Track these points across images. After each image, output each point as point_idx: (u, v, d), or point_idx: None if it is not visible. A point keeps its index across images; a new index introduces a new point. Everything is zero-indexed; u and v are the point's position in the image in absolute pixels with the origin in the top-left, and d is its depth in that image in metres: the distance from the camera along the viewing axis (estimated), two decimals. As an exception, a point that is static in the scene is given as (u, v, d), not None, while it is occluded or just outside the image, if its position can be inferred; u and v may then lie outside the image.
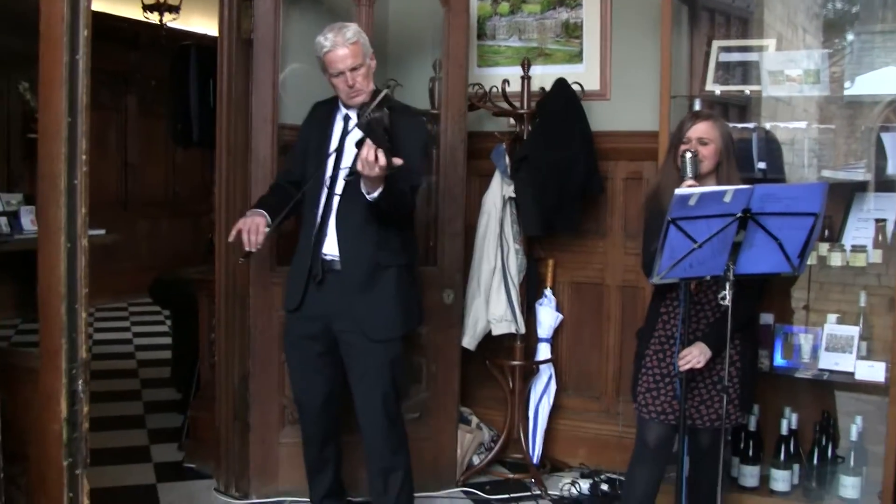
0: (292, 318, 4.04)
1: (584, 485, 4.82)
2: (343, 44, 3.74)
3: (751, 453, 4.49)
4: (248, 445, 4.64)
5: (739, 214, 3.23)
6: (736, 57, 4.72)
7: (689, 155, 3.55)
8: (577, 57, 5.18)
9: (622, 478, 4.67)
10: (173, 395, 6.34)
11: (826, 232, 4.36)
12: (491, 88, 5.04)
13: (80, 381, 2.58)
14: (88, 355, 2.59)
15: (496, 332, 4.97)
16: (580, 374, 5.33)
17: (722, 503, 3.54)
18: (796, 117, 4.80)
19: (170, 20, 8.97)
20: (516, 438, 5.12)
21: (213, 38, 4.79)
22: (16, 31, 4.16)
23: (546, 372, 5.19)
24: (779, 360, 4.54)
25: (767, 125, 4.71)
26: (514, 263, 5.00)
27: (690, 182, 3.48)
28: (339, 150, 3.89)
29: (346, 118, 3.91)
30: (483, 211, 5.00)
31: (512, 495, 4.82)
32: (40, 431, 2.62)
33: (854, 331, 4.41)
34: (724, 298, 3.31)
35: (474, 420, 5.22)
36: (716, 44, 4.75)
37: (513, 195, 4.98)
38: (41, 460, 2.62)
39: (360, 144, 3.53)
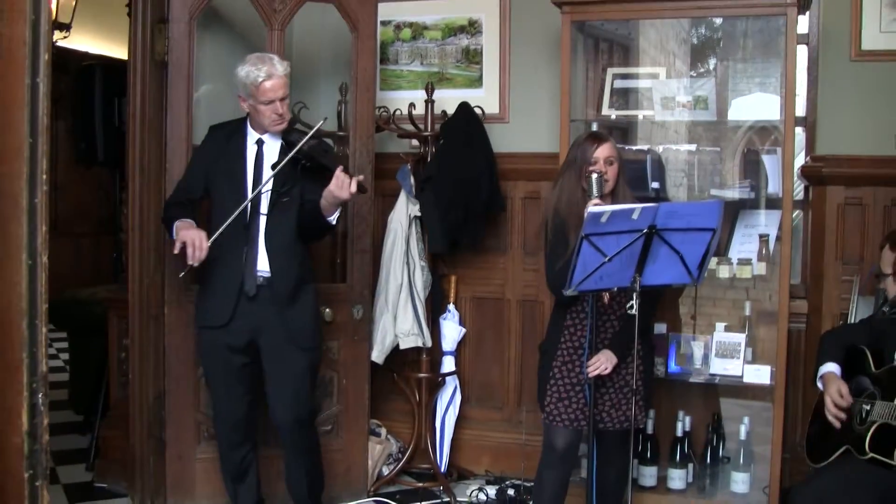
0: (217, 333, 4.14)
1: (491, 491, 5.03)
2: (278, 75, 3.98)
3: (648, 455, 4.78)
4: (164, 462, 4.69)
5: (646, 230, 3.46)
6: (629, 84, 5.02)
7: (594, 176, 3.79)
8: (477, 82, 5.42)
9: (527, 483, 4.91)
10: (72, 417, 6.30)
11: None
12: (395, 111, 5.22)
13: (39, 395, 2.65)
14: (47, 369, 2.66)
15: (404, 345, 5.15)
16: (483, 386, 5.54)
17: (630, 499, 3.77)
18: (673, 140, 5.12)
19: (60, 38, 8.86)
20: (424, 448, 5.30)
21: (103, 58, 4.81)
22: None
23: (451, 384, 5.39)
24: (673, 367, 4.84)
25: (659, 148, 5.03)
26: (421, 280, 5.18)
27: (597, 200, 3.72)
28: (258, 174, 4.09)
29: (260, 142, 4.13)
30: (389, 229, 5.17)
31: (422, 502, 5.00)
32: (1, 444, 2.67)
33: (741, 338, 4.75)
34: (631, 308, 3.54)
35: (383, 432, 5.37)
36: (610, 71, 5.04)
37: (418, 214, 5.16)
38: (1, 472, 2.67)
39: (275, 167, 3.91)
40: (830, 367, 3.72)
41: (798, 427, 4.82)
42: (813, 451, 3.77)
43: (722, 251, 4.81)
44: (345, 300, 4.89)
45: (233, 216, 3.96)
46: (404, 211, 5.14)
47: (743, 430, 4.72)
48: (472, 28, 5.41)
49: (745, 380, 4.67)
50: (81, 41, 9.88)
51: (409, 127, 5.25)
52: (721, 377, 4.74)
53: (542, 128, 5.23)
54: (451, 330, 5.39)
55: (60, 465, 5.47)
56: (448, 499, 5.04)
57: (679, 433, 4.77)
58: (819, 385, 3.74)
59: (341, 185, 3.86)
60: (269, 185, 4.04)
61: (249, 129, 4.17)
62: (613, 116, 5.01)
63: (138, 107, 4.67)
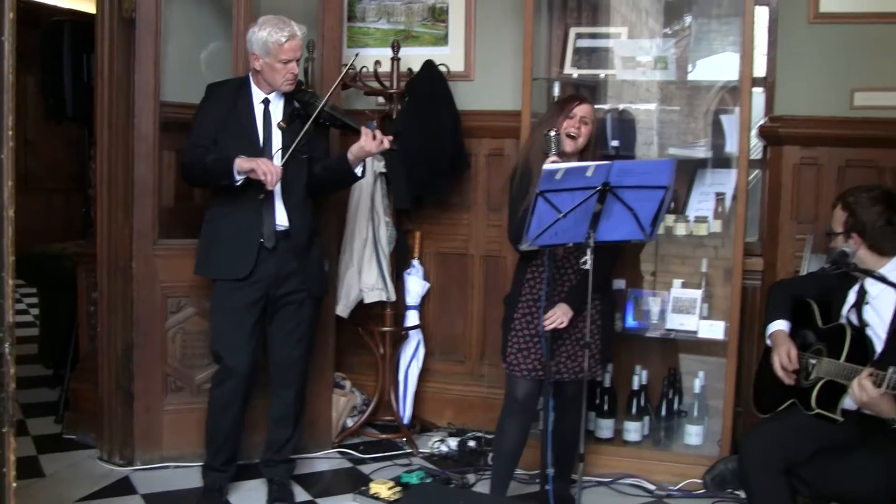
0: (235, 287, 4.26)
1: (453, 442, 5.13)
2: (298, 37, 4.18)
3: (606, 408, 4.91)
4: (132, 414, 4.77)
5: (599, 187, 3.55)
6: (591, 43, 5.09)
7: (552, 133, 3.86)
8: (442, 40, 5.48)
9: (488, 435, 5.04)
10: (42, 371, 6.38)
11: (672, 205, 4.76)
12: (361, 68, 5.27)
13: (6, 345, 2.73)
14: (13, 320, 2.73)
15: (368, 300, 5.24)
16: (446, 339, 5.65)
17: (583, 449, 3.88)
18: (645, 99, 5.20)
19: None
20: (387, 401, 5.41)
21: (72, 12, 4.82)
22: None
23: (415, 337, 5.50)
24: (630, 322, 4.97)
25: (620, 106, 5.11)
26: (385, 235, 5.26)
27: (554, 158, 3.79)
28: (267, 132, 4.26)
29: (266, 101, 4.27)
30: (355, 186, 5.22)
31: (385, 454, 5.11)
32: (-31, 393, 2.73)
33: (697, 294, 4.88)
34: (585, 263, 3.64)
35: (348, 384, 5.47)
36: (573, 30, 5.11)
37: (383, 170, 5.24)
38: (-31, 420, 2.74)
39: (284, 125, 4.17)
40: (780, 325, 3.83)
41: (751, 381, 4.96)
42: (760, 402, 3.90)
43: (680, 209, 4.92)
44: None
45: (282, 154, 4.17)
46: (369, 167, 5.19)
47: (698, 384, 4.87)
48: (439, -14, 5.47)
49: (700, 335, 4.80)
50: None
51: (376, 84, 5.31)
52: (677, 332, 4.87)
53: (506, 86, 5.29)
54: (415, 285, 5.48)
55: (30, 418, 5.53)
56: (410, 450, 5.15)
57: (636, 387, 4.90)
58: (768, 342, 3.86)
59: (378, 141, 4.15)
60: (281, 143, 4.21)
61: (254, 88, 4.29)
62: (575, 75, 5.08)
63: (106, 63, 4.71)
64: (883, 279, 3.45)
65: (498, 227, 5.37)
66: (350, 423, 5.35)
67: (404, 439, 5.25)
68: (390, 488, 4.44)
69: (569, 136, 4.03)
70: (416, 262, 5.52)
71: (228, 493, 4.49)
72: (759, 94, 5.06)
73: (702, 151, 5.06)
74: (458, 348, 5.64)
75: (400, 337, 5.45)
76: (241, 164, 4.03)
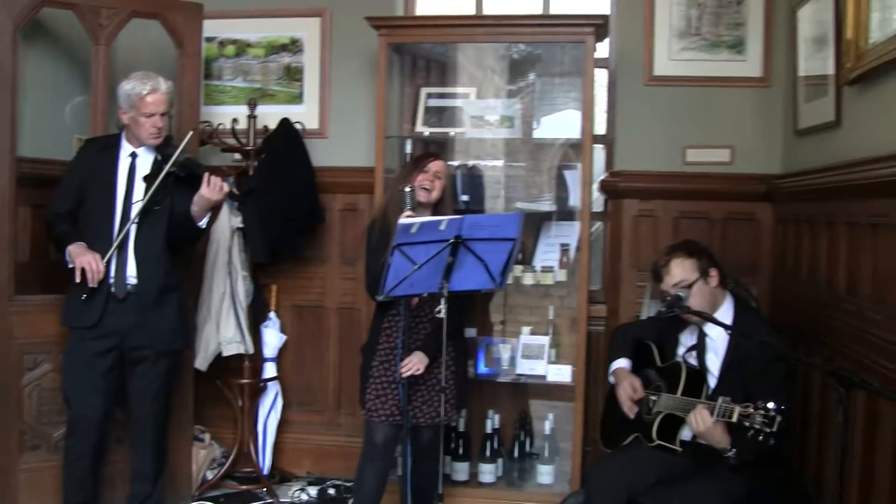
0: (84, 336, 4.33)
1: (313, 491, 5.23)
2: (161, 91, 4.30)
3: (461, 451, 5.10)
4: (-15, 474, 4.69)
5: (452, 240, 3.75)
6: (441, 102, 5.34)
7: (407, 189, 4.08)
8: (298, 98, 5.63)
9: (347, 483, 5.15)
10: None
11: (520, 255, 5.00)
12: (218, 125, 5.39)
13: None
14: None
15: (227, 353, 5.29)
16: (304, 390, 5.74)
17: (441, 489, 4.04)
18: (492, 155, 5.45)
19: None
20: (247, 453, 5.45)
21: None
22: None
23: (273, 389, 5.57)
24: (482, 368, 5.19)
25: (470, 163, 5.35)
26: (242, 289, 5.34)
27: (409, 212, 4.00)
28: (130, 185, 4.35)
29: (133, 155, 4.38)
30: (212, 240, 5.30)
31: (246, 505, 5.17)
32: None
33: (545, 340, 5.14)
34: (439, 312, 3.84)
35: (207, 437, 5.49)
36: (423, 90, 5.35)
37: (240, 225, 5.33)
38: None
39: (147, 179, 4.24)
40: (621, 363, 4.11)
41: (597, 423, 5.21)
42: (606, 438, 4.15)
43: (527, 260, 5.18)
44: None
45: (122, 234, 4.25)
46: (227, 222, 5.28)
47: (548, 426, 5.12)
48: (294, 47, 5.61)
49: (549, 379, 5.07)
50: None
51: (232, 141, 5.42)
52: (527, 377, 5.12)
53: (360, 143, 5.48)
54: (272, 337, 5.57)
55: None
56: (271, 500, 5.21)
57: (489, 430, 5.11)
58: (611, 379, 4.12)
59: (213, 188, 4.20)
60: (140, 196, 4.29)
61: (124, 143, 4.42)
62: (427, 133, 5.31)
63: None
64: (713, 321, 3.73)
65: (352, 279, 5.52)
66: (210, 475, 5.37)
67: (265, 490, 5.30)
68: (256, 538, 4.51)
69: (423, 188, 4.23)
70: (272, 314, 5.60)
71: (89, 551, 4.48)
72: (599, 150, 5.38)
73: (546, 205, 5.34)
74: (316, 399, 5.73)
75: (258, 389, 5.51)
76: (72, 251, 4.20)
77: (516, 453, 5.20)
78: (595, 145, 5.12)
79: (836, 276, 3.98)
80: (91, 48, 4.84)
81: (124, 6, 4.86)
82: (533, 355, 5.11)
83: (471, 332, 5.17)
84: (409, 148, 5.33)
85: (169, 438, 4.69)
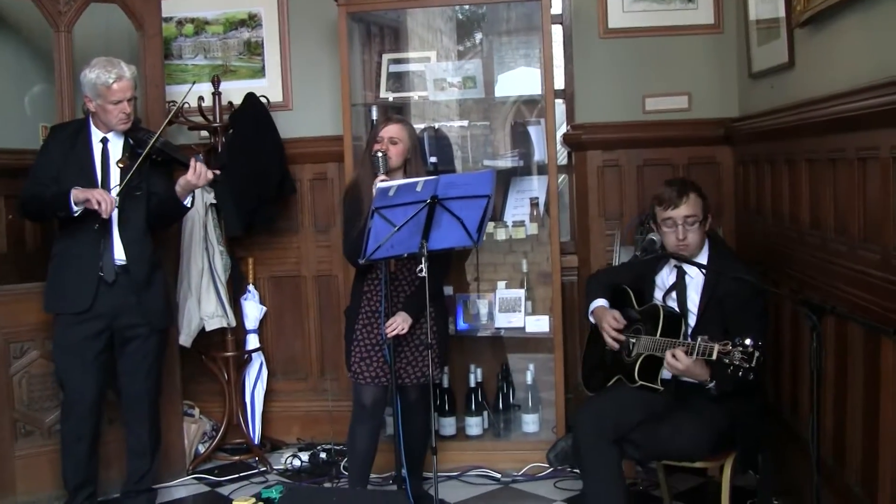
0: (75, 321, 4.38)
1: (304, 456, 5.32)
2: (126, 77, 4.33)
3: (447, 407, 5.23)
4: (-19, 462, 4.76)
5: (429, 200, 3.86)
6: (403, 67, 5.41)
7: (379, 154, 4.17)
8: (260, 72, 5.70)
9: (336, 446, 5.29)
10: None
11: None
12: (183, 104, 5.42)
13: None
14: None
15: (209, 327, 5.38)
16: (287, 359, 5.86)
17: (434, 443, 4.17)
18: (456, 116, 5.56)
19: None
20: (236, 424, 5.55)
21: None
22: None
23: (257, 360, 5.67)
24: (462, 324, 5.32)
25: (435, 125, 5.45)
26: (220, 263, 5.42)
27: (383, 177, 4.10)
28: (105, 170, 4.41)
29: (104, 140, 4.43)
30: (186, 217, 5.31)
31: (240, 474, 5.25)
32: None
33: (520, 293, 5.27)
34: (421, 271, 3.94)
35: (196, 412, 5.58)
36: (385, 56, 5.43)
37: (213, 201, 5.40)
38: None
39: (122, 164, 4.33)
40: (600, 302, 4.20)
41: (577, 369, 5.34)
42: (589, 381, 4.28)
43: (498, 216, 5.29)
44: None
45: (118, 190, 4.31)
46: (200, 199, 5.34)
47: (529, 376, 5.27)
48: (252, 21, 5.67)
49: (528, 330, 5.21)
50: None
51: (199, 119, 5.47)
52: (506, 330, 5.26)
53: (325, 113, 5.56)
54: (253, 309, 5.66)
55: None
56: (264, 468, 5.31)
57: (472, 384, 5.25)
58: (591, 319, 4.23)
59: (199, 174, 4.30)
60: (117, 181, 4.36)
61: (93, 129, 4.44)
62: (391, 98, 5.40)
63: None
64: (689, 262, 3.87)
65: (327, 247, 5.63)
66: (202, 449, 5.47)
67: (257, 459, 5.41)
68: (254, 504, 4.61)
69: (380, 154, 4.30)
70: (251, 287, 5.69)
71: (92, 530, 4.58)
72: (560, 104, 5.49)
73: (512, 161, 5.45)
74: (300, 366, 5.84)
75: (243, 361, 5.61)
76: (77, 194, 4.18)
77: (500, 405, 5.35)
78: (555, 100, 5.22)
79: (799, 212, 4.13)
80: (52, 35, 4.86)
81: (82, -8, 4.88)
82: (510, 308, 5.24)
83: (447, 291, 5.27)
84: (374, 114, 5.39)
85: (159, 413, 4.77)
